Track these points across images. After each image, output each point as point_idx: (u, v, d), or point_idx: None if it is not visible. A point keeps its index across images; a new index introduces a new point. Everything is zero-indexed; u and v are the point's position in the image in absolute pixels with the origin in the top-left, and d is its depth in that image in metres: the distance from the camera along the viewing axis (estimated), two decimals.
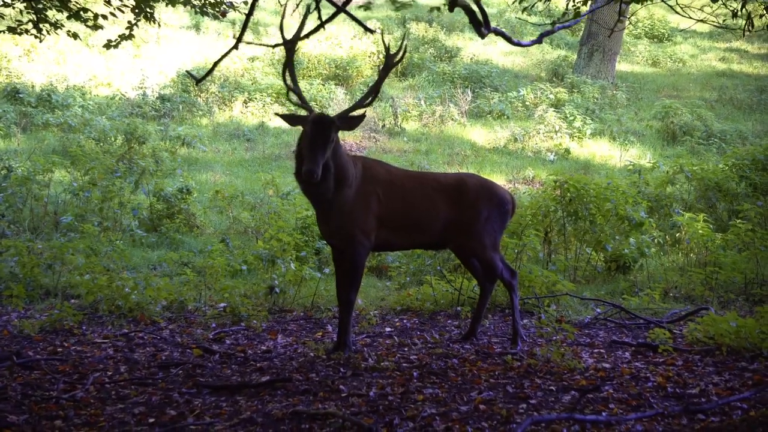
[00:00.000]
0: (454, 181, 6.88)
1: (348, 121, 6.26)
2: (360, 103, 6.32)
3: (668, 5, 7.86)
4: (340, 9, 6.29)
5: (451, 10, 5.81)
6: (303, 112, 6.35)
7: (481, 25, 6.01)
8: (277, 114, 6.49)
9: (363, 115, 6.30)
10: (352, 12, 6.54)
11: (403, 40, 6.76)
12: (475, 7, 5.86)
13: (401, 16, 25.14)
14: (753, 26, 7.41)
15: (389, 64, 6.29)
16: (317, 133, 6.06)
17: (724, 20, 7.24)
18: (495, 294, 8.27)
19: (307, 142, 6.06)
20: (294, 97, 6.38)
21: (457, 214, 6.73)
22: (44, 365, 6.22)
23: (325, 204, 6.36)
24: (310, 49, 21.12)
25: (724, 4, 7.62)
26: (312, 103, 18.69)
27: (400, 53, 6.29)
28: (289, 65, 6.36)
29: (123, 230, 11.21)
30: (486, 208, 6.78)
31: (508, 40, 6.49)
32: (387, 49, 6.31)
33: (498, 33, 6.34)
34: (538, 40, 6.81)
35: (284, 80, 6.34)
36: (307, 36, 6.36)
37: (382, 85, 6.37)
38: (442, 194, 6.74)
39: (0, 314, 7.91)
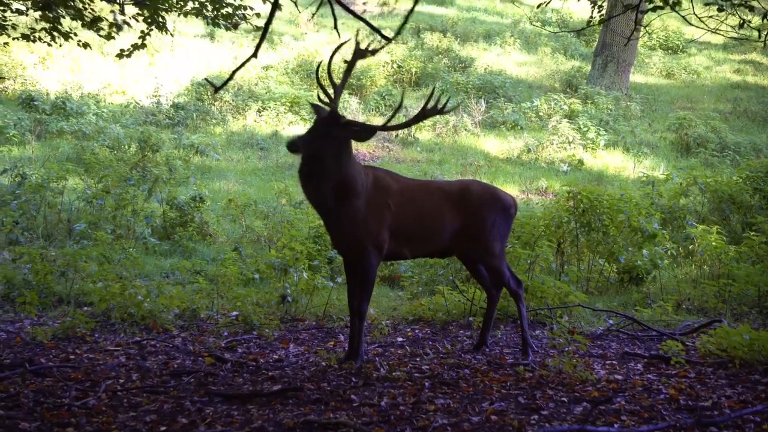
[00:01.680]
0: (458, 189, 6.87)
1: (359, 130, 6.25)
2: (387, 124, 6.29)
3: (681, 15, 7.83)
4: (356, 15, 6.32)
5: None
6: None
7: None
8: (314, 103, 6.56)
9: (375, 129, 6.30)
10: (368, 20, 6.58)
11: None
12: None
13: (416, 26, 25.14)
14: None
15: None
16: (319, 121, 6.18)
17: (744, 24, 7.14)
18: (507, 305, 8.25)
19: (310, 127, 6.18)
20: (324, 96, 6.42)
21: (462, 221, 6.73)
22: (56, 372, 6.23)
23: (329, 213, 6.36)
24: (323, 58, 21.12)
25: (737, 14, 7.58)
26: None
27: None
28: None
29: (136, 238, 11.23)
30: (491, 215, 6.78)
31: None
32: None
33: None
34: None
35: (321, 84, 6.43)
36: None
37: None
38: (448, 202, 6.73)
39: (13, 321, 7.94)
